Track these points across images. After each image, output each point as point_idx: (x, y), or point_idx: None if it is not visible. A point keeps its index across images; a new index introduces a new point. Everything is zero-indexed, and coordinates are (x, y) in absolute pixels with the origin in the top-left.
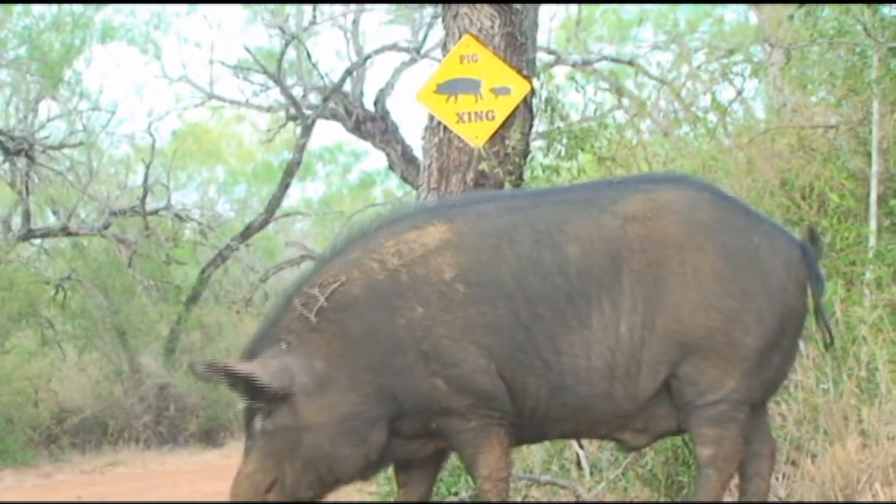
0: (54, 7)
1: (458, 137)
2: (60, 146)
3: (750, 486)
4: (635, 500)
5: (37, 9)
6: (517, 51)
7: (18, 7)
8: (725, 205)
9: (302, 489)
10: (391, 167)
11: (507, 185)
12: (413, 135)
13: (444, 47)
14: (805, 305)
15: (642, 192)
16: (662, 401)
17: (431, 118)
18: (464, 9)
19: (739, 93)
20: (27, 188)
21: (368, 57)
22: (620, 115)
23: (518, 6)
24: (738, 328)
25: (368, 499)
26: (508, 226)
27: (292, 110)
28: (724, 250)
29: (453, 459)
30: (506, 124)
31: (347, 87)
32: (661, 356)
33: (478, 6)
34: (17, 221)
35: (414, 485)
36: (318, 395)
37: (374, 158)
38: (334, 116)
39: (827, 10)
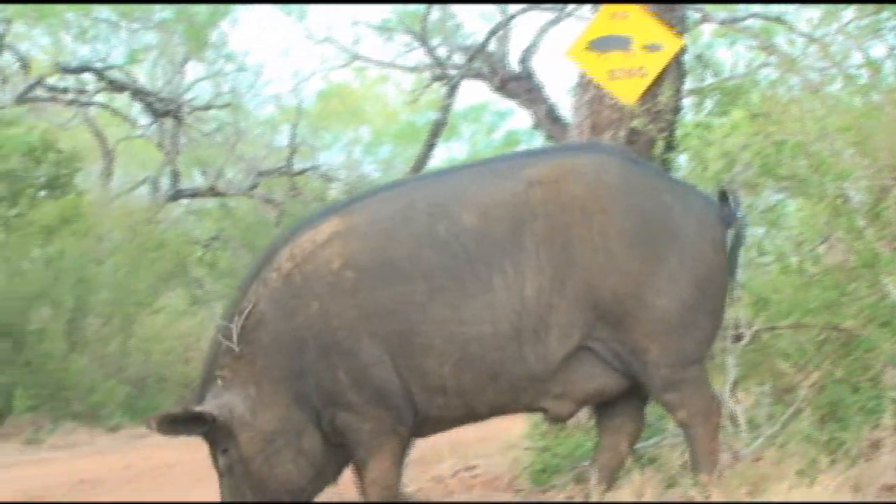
0: None
1: (610, 94)
2: (207, 107)
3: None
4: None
5: None
6: (667, 7)
7: None
8: (637, 168)
9: None
10: (536, 126)
11: (659, 143)
12: (558, 94)
13: (595, 4)
14: (725, 263)
15: (553, 157)
16: (578, 364)
17: (582, 75)
18: None
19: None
20: (175, 149)
21: (513, 16)
22: (770, 73)
23: None
24: (650, 291)
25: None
26: (404, 206)
27: (437, 70)
28: (632, 212)
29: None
30: (657, 81)
31: (492, 46)
32: (572, 319)
33: None
34: (165, 182)
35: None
36: (251, 422)
37: (519, 118)
38: (479, 76)
39: None
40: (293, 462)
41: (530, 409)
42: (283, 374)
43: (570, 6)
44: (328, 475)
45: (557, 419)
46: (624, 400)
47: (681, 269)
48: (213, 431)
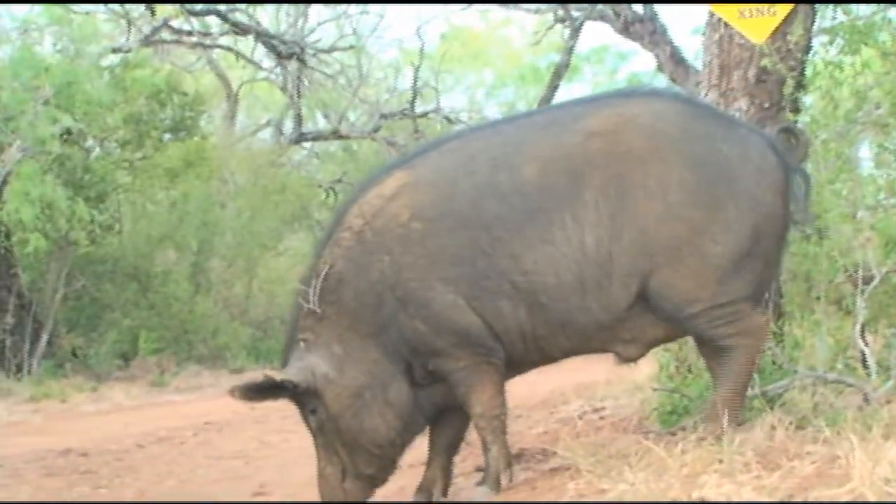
0: None
1: (740, 34)
2: (330, 49)
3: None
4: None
5: None
6: None
7: None
8: (696, 114)
9: (363, 469)
10: (660, 68)
11: (789, 82)
12: (681, 36)
13: None
14: (785, 209)
15: (610, 107)
16: (643, 310)
17: (711, 14)
18: None
19: None
20: (298, 92)
21: None
22: None
23: None
24: (706, 238)
25: (652, 396)
26: (467, 157)
27: (560, 12)
28: (689, 160)
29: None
30: (787, 20)
31: None
32: (630, 268)
33: None
34: (288, 125)
35: (441, 427)
36: (338, 379)
37: (642, 59)
38: (602, 18)
39: None
40: (380, 415)
41: (601, 352)
42: (368, 329)
43: None
44: (416, 426)
45: (628, 361)
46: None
47: (738, 217)
48: (300, 394)
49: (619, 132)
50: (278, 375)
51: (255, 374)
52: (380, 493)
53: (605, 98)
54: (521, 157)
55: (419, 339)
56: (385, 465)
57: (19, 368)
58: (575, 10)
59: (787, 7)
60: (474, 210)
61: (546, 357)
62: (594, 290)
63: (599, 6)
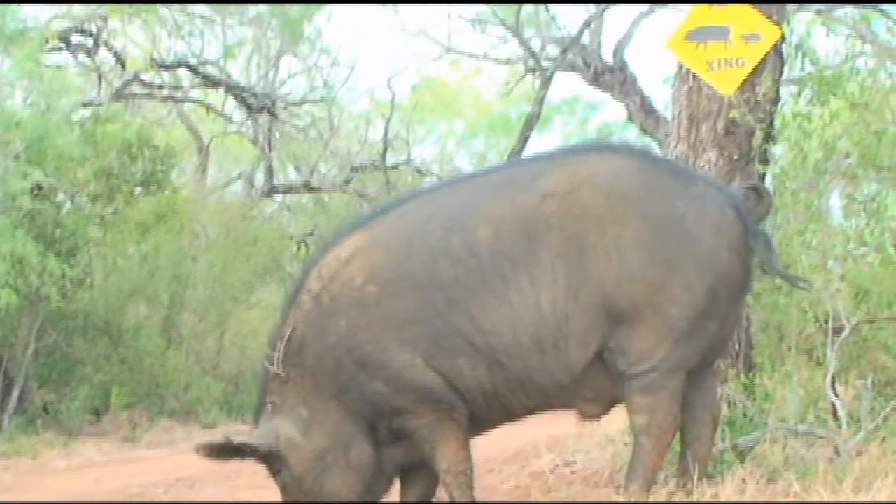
0: None
1: (708, 85)
2: (302, 102)
3: (689, 451)
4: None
5: None
6: None
7: None
8: (653, 171)
9: None
10: (630, 118)
11: (758, 133)
12: (652, 86)
13: None
14: (743, 267)
15: (566, 165)
16: (604, 371)
17: (680, 66)
18: None
19: None
20: (269, 144)
21: (607, 8)
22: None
23: None
24: (664, 298)
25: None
26: (423, 218)
27: (531, 63)
28: (646, 220)
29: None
30: (756, 71)
31: (586, 38)
32: (589, 328)
33: None
34: (259, 178)
35: (411, 484)
36: (303, 443)
37: (613, 110)
38: (572, 68)
39: None
40: (341, 478)
41: (563, 409)
42: (330, 392)
43: None
44: (378, 488)
45: (591, 418)
46: (695, 388)
47: (696, 276)
48: (264, 456)
49: (575, 192)
50: (237, 439)
51: (225, 431)
52: None
53: (562, 155)
54: (475, 218)
55: (380, 399)
56: None
57: None
58: (545, 61)
59: (756, 58)
60: (429, 272)
61: (509, 414)
62: (552, 350)
63: (570, 57)
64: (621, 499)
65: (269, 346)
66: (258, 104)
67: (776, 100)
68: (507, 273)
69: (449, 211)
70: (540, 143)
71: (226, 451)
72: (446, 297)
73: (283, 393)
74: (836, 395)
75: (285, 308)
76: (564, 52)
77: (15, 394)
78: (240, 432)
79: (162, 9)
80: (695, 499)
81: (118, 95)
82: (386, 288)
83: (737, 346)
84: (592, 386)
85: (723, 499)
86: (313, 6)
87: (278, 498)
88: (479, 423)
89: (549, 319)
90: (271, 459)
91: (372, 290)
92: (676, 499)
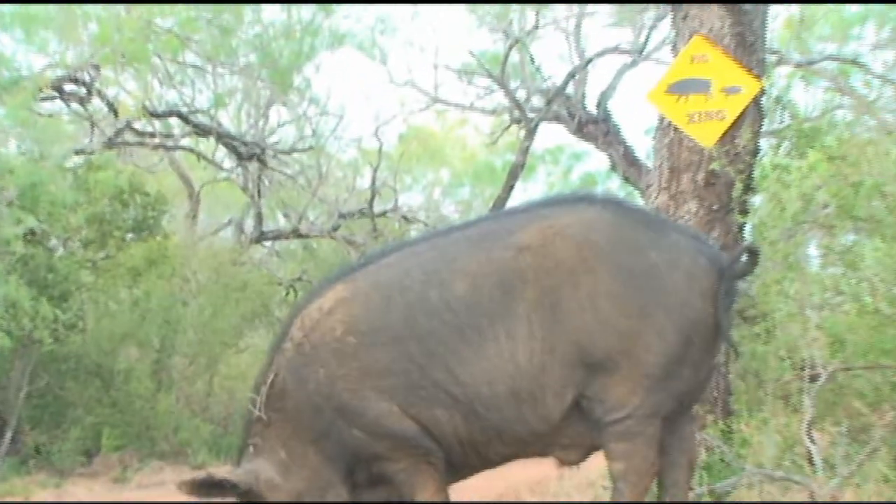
0: (284, 14)
1: (689, 137)
2: (290, 151)
3: (667, 495)
4: None
5: (267, 16)
6: (747, 50)
7: (249, 15)
8: (625, 222)
9: None
10: (613, 168)
11: (738, 185)
12: (635, 136)
13: (674, 48)
14: (713, 314)
15: (541, 219)
16: (581, 418)
17: (662, 118)
18: (693, 10)
19: None
20: (259, 192)
21: (591, 60)
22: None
23: (748, 6)
24: (639, 346)
25: (604, 493)
26: (402, 272)
27: (516, 113)
28: (618, 271)
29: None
30: (736, 124)
31: (570, 89)
32: (564, 379)
33: (707, 7)
34: (249, 224)
35: None
36: (282, 484)
37: (596, 159)
38: (557, 119)
39: None
40: None
41: (541, 456)
42: (309, 436)
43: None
44: None
45: (569, 464)
46: (672, 433)
47: (669, 325)
48: (243, 495)
49: (549, 245)
50: (218, 476)
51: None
52: None
53: (537, 208)
54: (451, 273)
55: (358, 444)
56: None
57: None
58: (530, 112)
59: (737, 111)
60: (406, 325)
61: (486, 462)
62: (529, 400)
63: (555, 107)
64: None
65: (254, 390)
66: (248, 152)
67: (755, 151)
68: (483, 326)
69: (427, 265)
70: (524, 192)
71: (207, 487)
72: (424, 349)
73: (265, 435)
74: (812, 442)
75: (269, 354)
76: (549, 102)
77: (7, 435)
78: (223, 472)
79: (154, 58)
80: None
81: (110, 143)
82: (364, 339)
83: (715, 393)
84: (570, 433)
85: None
86: (302, 55)
87: None
88: (457, 469)
89: (526, 371)
90: (251, 498)
91: (351, 340)
92: None
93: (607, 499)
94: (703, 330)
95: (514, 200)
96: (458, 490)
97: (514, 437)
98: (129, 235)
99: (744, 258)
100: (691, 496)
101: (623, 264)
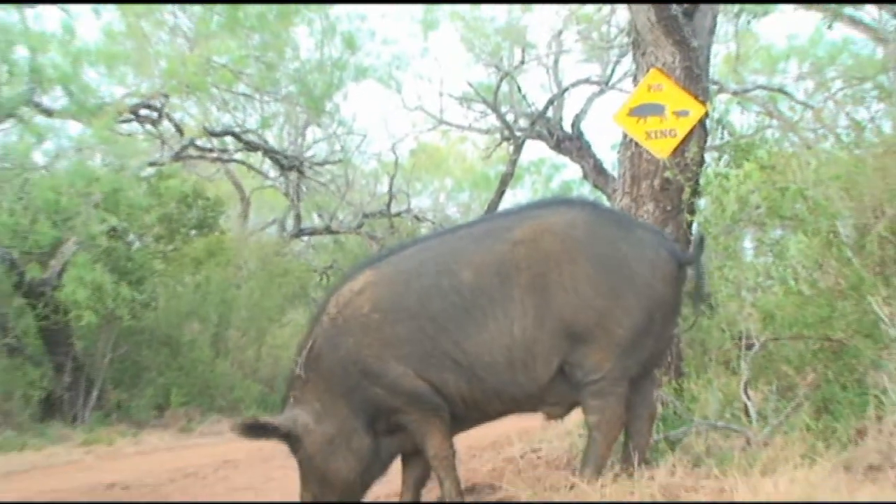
0: (318, 52)
1: (647, 151)
2: (323, 163)
3: (632, 442)
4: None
5: (304, 53)
6: (694, 81)
7: (290, 52)
8: (600, 220)
9: (328, 498)
10: (585, 177)
11: (687, 189)
12: (603, 151)
13: (635, 79)
14: (674, 296)
15: (532, 218)
16: (564, 381)
17: (625, 136)
18: (650, 48)
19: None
20: (297, 196)
21: (566, 89)
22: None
23: (695, 44)
24: (611, 322)
25: (579, 440)
26: (419, 262)
27: (506, 132)
28: (595, 260)
29: None
30: (685, 140)
31: (550, 113)
32: (551, 349)
33: (662, 45)
34: (289, 223)
35: (411, 466)
36: (315, 429)
37: (571, 170)
38: (539, 137)
39: None
40: (344, 459)
41: (532, 412)
42: (339, 392)
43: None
44: (374, 470)
45: (555, 418)
46: (637, 392)
47: (636, 304)
48: (284, 436)
49: (538, 239)
50: (263, 420)
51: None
52: None
53: (528, 210)
54: (459, 263)
55: (380, 400)
56: (346, 499)
57: (74, 418)
58: (517, 131)
59: (686, 130)
60: (421, 305)
61: (485, 416)
62: (522, 367)
63: (537, 128)
64: (576, 480)
65: (296, 353)
66: (288, 164)
67: (701, 162)
68: (485, 307)
69: (439, 257)
70: (513, 196)
71: (254, 428)
72: (435, 325)
73: (303, 390)
74: (748, 398)
75: (309, 325)
76: (533, 124)
77: (94, 394)
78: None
79: (212, 88)
80: (635, 479)
81: (177, 157)
82: (387, 315)
83: (669, 359)
84: (555, 393)
85: (658, 479)
86: (333, 85)
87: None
88: (460, 422)
89: (520, 343)
90: (290, 440)
91: (376, 316)
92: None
93: (581, 445)
94: (663, 308)
95: (505, 203)
96: (460, 436)
97: (510, 396)
98: (193, 232)
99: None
100: (650, 443)
101: (599, 255)
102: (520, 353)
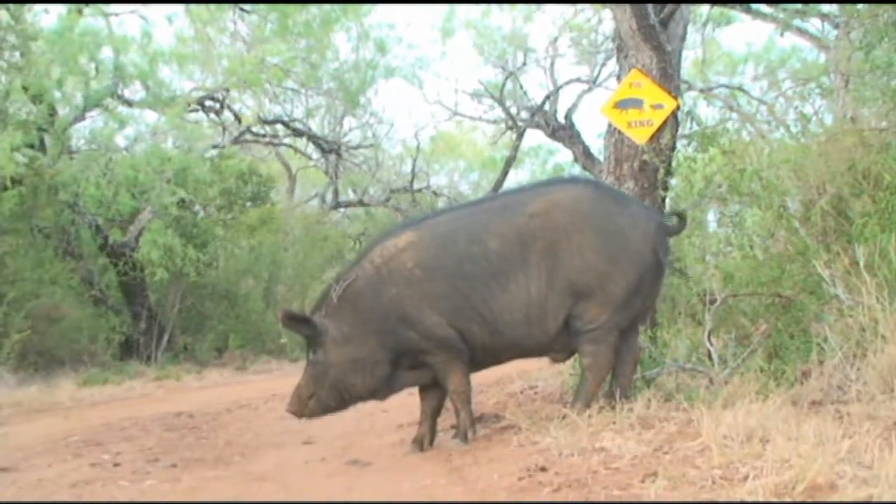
0: (353, 55)
1: (628, 137)
2: (357, 147)
3: (616, 382)
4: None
5: (342, 55)
6: (668, 79)
7: (330, 55)
8: (601, 196)
9: (329, 401)
10: (575, 160)
11: (661, 170)
12: (591, 138)
13: (618, 78)
14: (659, 262)
15: (543, 194)
16: (567, 332)
17: (609, 125)
18: (632, 51)
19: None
20: (335, 175)
21: (561, 87)
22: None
23: (669, 48)
24: (609, 282)
25: (570, 378)
26: (451, 231)
27: (510, 123)
28: (597, 230)
29: None
30: (660, 129)
31: (547, 107)
32: (559, 305)
33: (641, 49)
34: (329, 197)
35: (428, 398)
36: (341, 345)
37: (564, 154)
38: (537, 126)
39: (877, 51)
40: (363, 379)
41: (538, 357)
42: (372, 329)
43: (599, 80)
44: (381, 395)
45: (559, 362)
46: (624, 341)
47: (630, 267)
48: (312, 336)
49: (550, 212)
50: (302, 313)
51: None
52: (383, 443)
53: (541, 187)
54: (487, 233)
55: (412, 342)
56: (343, 405)
57: (148, 358)
58: (519, 122)
59: (661, 120)
60: (456, 267)
61: (497, 361)
62: (536, 322)
63: (536, 119)
64: (568, 411)
65: (335, 281)
66: (328, 148)
67: (673, 147)
68: (508, 271)
69: (469, 228)
70: (515, 176)
71: (295, 318)
72: (467, 285)
73: (333, 312)
74: (711, 345)
75: (350, 265)
76: (532, 115)
77: (165, 338)
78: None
79: (265, 84)
80: (616, 411)
81: (235, 141)
82: (426, 273)
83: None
84: (560, 342)
85: (636, 411)
86: (366, 82)
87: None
88: (479, 364)
89: (535, 301)
90: (315, 339)
91: (417, 272)
92: (604, 411)
93: (572, 382)
94: (651, 273)
95: (509, 182)
96: (473, 376)
97: (524, 347)
98: (248, 203)
99: (676, 222)
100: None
101: (600, 226)
102: (535, 310)
